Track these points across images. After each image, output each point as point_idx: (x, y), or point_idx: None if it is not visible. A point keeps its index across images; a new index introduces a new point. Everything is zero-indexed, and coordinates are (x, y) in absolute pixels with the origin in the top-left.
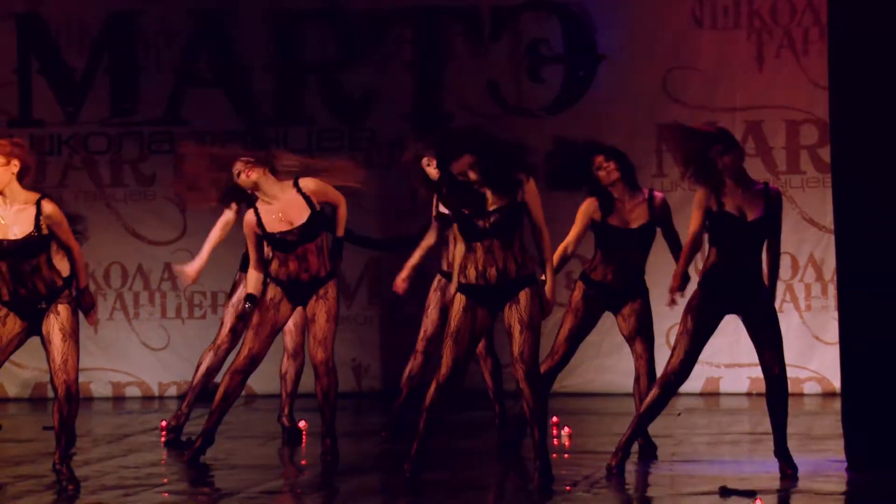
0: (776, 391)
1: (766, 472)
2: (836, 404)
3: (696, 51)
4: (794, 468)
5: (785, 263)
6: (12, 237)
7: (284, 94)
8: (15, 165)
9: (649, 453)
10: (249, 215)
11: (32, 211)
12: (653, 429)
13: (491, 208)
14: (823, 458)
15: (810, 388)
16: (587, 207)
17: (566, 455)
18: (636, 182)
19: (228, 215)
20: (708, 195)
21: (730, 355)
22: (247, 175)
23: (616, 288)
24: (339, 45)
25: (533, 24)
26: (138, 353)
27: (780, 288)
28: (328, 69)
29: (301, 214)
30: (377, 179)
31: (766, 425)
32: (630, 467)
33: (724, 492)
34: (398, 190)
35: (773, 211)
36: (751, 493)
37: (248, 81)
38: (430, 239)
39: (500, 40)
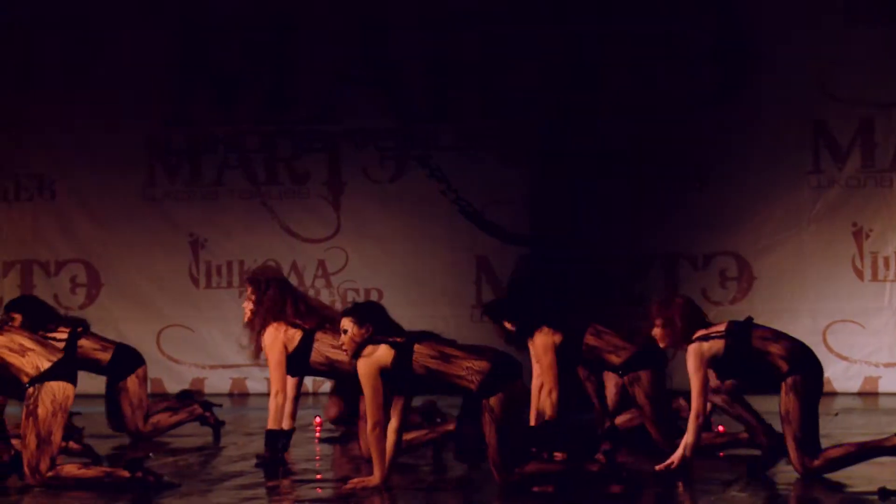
0: None
1: None
2: None
3: (852, 45)
4: None
5: None
6: None
7: (437, 93)
8: None
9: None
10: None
11: None
12: None
13: None
14: None
15: None
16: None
17: (720, 454)
18: None
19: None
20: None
21: (889, 354)
22: None
23: None
24: (492, 46)
25: (687, 19)
26: None
27: None
28: (481, 69)
29: None
30: (527, 177)
31: None
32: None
33: (883, 493)
34: (548, 187)
35: None
36: None
37: (402, 80)
38: None
39: (655, 36)
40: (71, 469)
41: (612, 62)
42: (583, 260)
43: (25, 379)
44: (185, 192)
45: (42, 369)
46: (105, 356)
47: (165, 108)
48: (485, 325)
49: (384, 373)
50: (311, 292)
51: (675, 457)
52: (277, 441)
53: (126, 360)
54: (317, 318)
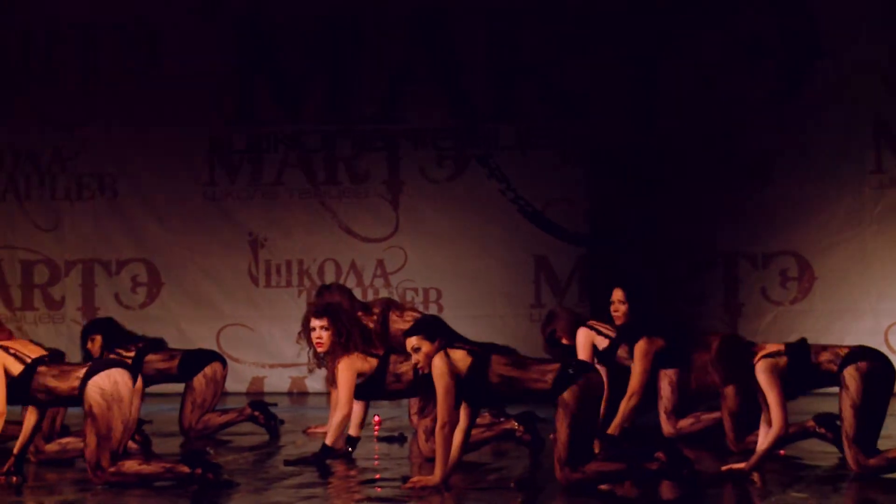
0: None
1: None
2: None
3: None
4: None
5: None
6: None
7: (498, 92)
8: None
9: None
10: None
11: None
12: None
13: None
14: None
15: None
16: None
17: (780, 452)
18: None
19: None
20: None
21: None
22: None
23: None
24: (554, 43)
25: (749, 16)
26: None
27: None
28: (542, 67)
29: None
30: (587, 176)
31: None
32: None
33: None
34: (608, 186)
35: None
36: None
37: (463, 79)
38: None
39: (715, 34)
40: (132, 465)
41: (672, 60)
42: (642, 259)
43: (76, 394)
44: (246, 192)
45: (80, 378)
46: (173, 364)
47: (226, 108)
48: None
49: (457, 377)
50: (370, 292)
51: (748, 463)
52: (329, 457)
53: (192, 363)
54: (386, 344)
